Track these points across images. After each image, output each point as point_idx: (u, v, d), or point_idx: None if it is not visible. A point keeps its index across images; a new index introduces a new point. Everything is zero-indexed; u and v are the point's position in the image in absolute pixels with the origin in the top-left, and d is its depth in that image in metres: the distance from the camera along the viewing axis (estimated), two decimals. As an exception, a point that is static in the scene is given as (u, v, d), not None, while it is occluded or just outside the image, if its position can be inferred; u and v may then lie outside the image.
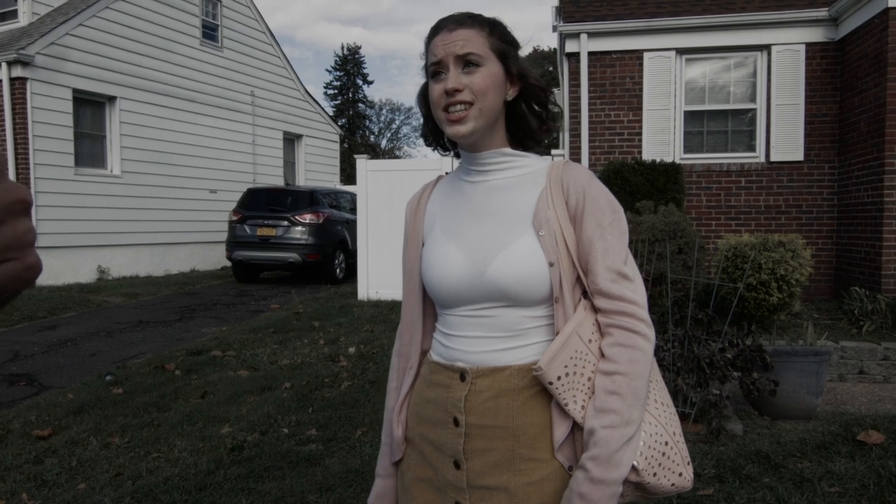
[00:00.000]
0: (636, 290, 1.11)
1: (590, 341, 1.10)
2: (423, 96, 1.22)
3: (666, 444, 1.10)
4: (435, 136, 1.27)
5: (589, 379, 1.08)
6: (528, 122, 1.20)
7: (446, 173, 1.33)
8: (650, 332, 1.10)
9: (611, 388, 1.06)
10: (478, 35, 1.13)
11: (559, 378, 1.06)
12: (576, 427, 1.10)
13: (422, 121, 1.28)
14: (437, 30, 1.16)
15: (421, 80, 1.22)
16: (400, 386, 1.29)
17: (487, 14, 1.19)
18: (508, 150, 1.20)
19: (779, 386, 3.93)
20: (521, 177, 1.19)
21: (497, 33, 1.16)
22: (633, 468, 1.06)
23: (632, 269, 1.13)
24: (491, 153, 1.19)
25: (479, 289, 1.13)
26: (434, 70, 1.15)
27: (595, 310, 1.13)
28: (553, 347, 1.07)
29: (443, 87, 1.12)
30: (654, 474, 1.08)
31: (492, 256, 1.12)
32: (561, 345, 1.07)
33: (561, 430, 1.10)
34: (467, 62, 1.12)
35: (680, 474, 1.12)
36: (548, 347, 1.09)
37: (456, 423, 1.14)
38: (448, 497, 1.16)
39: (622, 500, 1.11)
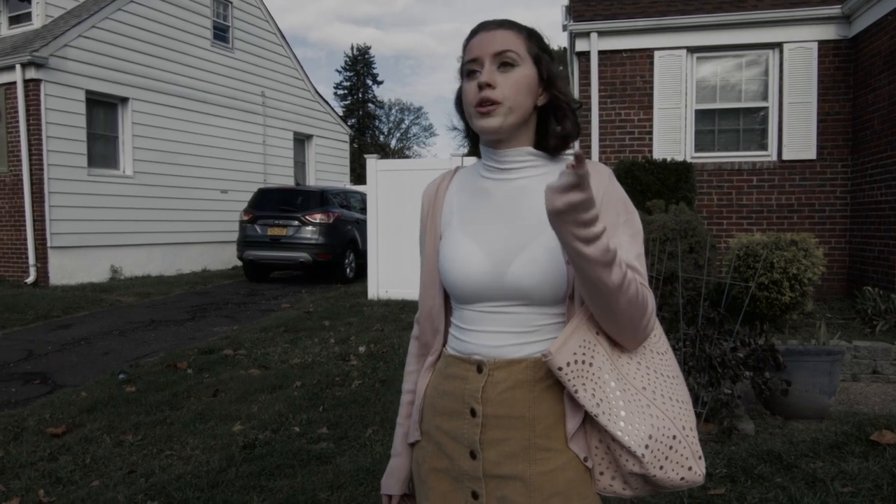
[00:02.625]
0: (645, 277, 1.14)
1: (598, 333, 1.11)
2: (460, 100, 1.24)
3: (674, 437, 1.11)
4: (477, 139, 1.29)
5: (600, 368, 1.09)
6: (554, 129, 1.22)
7: (462, 158, 1.35)
8: (653, 302, 1.13)
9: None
10: (516, 37, 1.18)
11: (568, 364, 1.06)
12: (587, 418, 1.12)
13: (456, 124, 1.30)
14: (476, 31, 1.21)
15: (455, 83, 1.26)
16: (419, 370, 1.33)
17: (516, 16, 1.25)
18: (530, 149, 1.22)
19: (791, 385, 3.90)
20: (540, 177, 1.21)
21: (534, 39, 1.20)
22: (636, 458, 1.07)
23: (642, 266, 1.15)
24: (512, 151, 1.21)
25: (499, 288, 1.15)
26: (469, 68, 1.18)
27: None
28: (563, 335, 1.08)
29: (476, 83, 1.16)
30: (661, 467, 1.09)
31: (512, 257, 1.14)
32: (570, 332, 1.08)
33: (573, 422, 1.13)
34: (504, 61, 1.16)
35: (690, 468, 1.12)
36: (560, 335, 1.10)
37: (473, 413, 1.17)
38: (464, 486, 1.18)
39: (632, 491, 1.13)
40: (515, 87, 1.15)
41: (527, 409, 1.13)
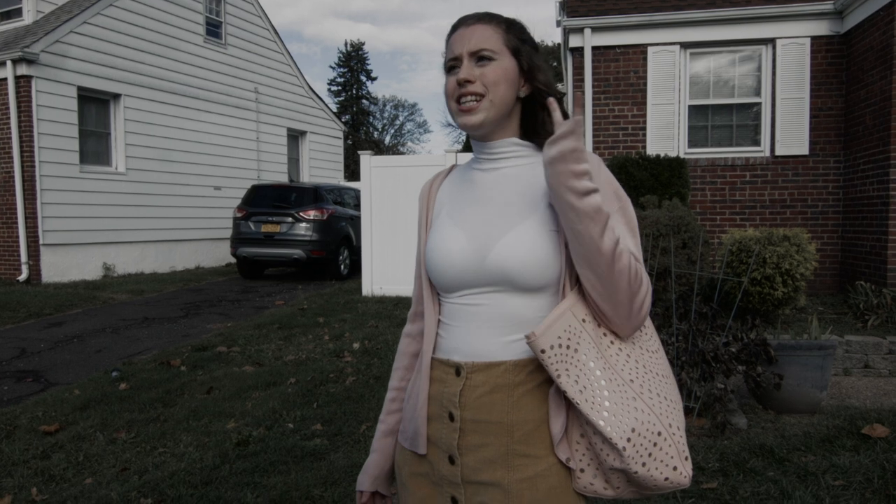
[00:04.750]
0: (641, 261, 1.13)
1: (583, 321, 1.09)
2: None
3: (659, 434, 1.07)
4: None
5: (585, 355, 1.07)
6: (539, 120, 1.22)
7: (457, 154, 1.35)
8: (649, 283, 1.12)
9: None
10: (494, 31, 1.18)
11: (552, 347, 1.04)
12: (570, 420, 1.10)
13: (450, 121, 1.30)
14: (455, 27, 1.21)
15: (441, 79, 1.26)
16: (408, 367, 1.33)
17: (505, 12, 1.24)
18: (516, 139, 1.22)
19: (783, 380, 3.92)
20: (529, 165, 1.21)
21: (514, 31, 1.20)
22: (618, 451, 1.03)
23: (639, 252, 1.14)
24: (501, 142, 1.21)
25: (482, 272, 1.14)
26: (450, 65, 1.19)
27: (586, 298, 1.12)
28: (549, 318, 1.06)
29: (455, 79, 1.16)
30: (644, 464, 1.05)
31: (495, 239, 1.13)
32: (557, 317, 1.06)
33: (558, 426, 1.10)
34: (481, 56, 1.16)
35: (675, 468, 1.08)
36: (545, 318, 1.07)
37: (451, 417, 1.15)
38: (444, 492, 1.17)
39: (614, 491, 1.10)
40: (494, 81, 1.15)
41: (505, 415, 1.11)
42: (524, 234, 1.11)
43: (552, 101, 1.00)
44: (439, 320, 1.23)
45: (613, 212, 1.13)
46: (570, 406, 1.10)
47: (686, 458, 1.10)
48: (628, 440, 1.04)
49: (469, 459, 1.13)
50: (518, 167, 1.21)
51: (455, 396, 1.15)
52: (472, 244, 1.15)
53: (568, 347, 1.05)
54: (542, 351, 1.04)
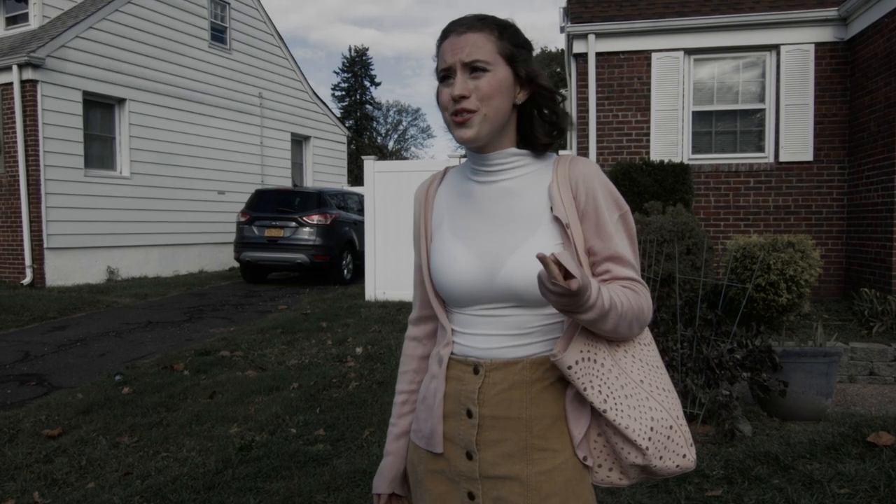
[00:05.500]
0: (638, 271, 1.17)
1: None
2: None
3: (670, 427, 1.14)
4: None
5: (602, 365, 1.11)
6: (538, 125, 1.20)
7: (459, 159, 1.34)
8: (649, 297, 1.17)
9: (624, 292, 1.11)
10: (486, 39, 1.14)
11: (577, 363, 1.08)
12: (591, 423, 1.15)
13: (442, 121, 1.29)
14: (446, 33, 1.17)
15: (435, 82, 1.23)
16: (417, 370, 1.34)
17: (501, 15, 1.20)
18: (514, 149, 1.21)
19: (788, 387, 3.90)
20: (527, 176, 1.20)
21: (507, 36, 1.16)
22: (641, 451, 1.10)
23: (637, 261, 1.18)
24: (496, 154, 1.20)
25: (492, 290, 1.15)
26: (443, 74, 1.17)
27: None
28: (568, 333, 1.10)
29: (450, 93, 1.14)
30: (661, 457, 1.13)
31: (503, 258, 1.14)
32: (574, 331, 1.10)
33: (578, 428, 1.14)
34: (474, 68, 1.13)
35: (684, 456, 1.15)
36: (562, 335, 1.12)
37: (469, 414, 1.17)
38: (461, 487, 1.18)
39: (629, 481, 1.16)
40: (489, 92, 1.12)
41: (523, 410, 1.14)
42: (530, 254, 1.12)
43: (545, 259, 0.92)
44: (452, 329, 1.24)
45: (615, 220, 1.16)
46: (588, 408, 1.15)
47: (691, 445, 1.17)
48: (649, 439, 1.11)
49: (487, 454, 1.16)
50: (517, 178, 1.20)
51: (474, 394, 1.17)
52: (480, 264, 1.16)
53: (588, 359, 1.09)
54: (569, 367, 1.08)
